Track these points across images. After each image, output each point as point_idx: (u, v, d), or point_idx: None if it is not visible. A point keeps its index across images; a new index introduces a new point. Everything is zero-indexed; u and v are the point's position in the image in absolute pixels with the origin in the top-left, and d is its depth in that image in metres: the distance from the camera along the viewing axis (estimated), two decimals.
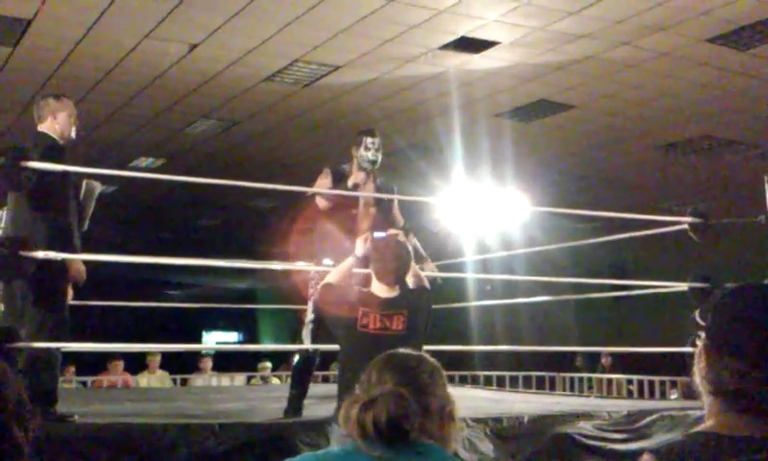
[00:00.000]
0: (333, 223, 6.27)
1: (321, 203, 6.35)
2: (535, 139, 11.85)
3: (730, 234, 12.86)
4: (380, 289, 4.65)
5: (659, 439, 5.72)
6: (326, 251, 6.17)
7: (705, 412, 1.74)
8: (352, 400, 2.16)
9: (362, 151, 6.35)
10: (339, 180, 6.31)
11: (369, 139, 6.39)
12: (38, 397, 4.51)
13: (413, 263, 4.88)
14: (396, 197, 6.56)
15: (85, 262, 5.37)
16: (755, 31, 8.17)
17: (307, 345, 6.02)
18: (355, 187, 6.27)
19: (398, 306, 4.61)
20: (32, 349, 4.79)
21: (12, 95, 10.10)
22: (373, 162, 6.35)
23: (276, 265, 6.93)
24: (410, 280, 4.85)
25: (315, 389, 6.76)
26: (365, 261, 4.97)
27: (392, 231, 5.27)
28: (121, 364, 11.90)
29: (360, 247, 5.06)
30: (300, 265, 6.09)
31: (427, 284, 4.98)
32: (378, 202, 6.41)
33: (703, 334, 1.75)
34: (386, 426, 2.03)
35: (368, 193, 6.32)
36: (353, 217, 6.31)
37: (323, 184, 6.34)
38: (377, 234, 5.10)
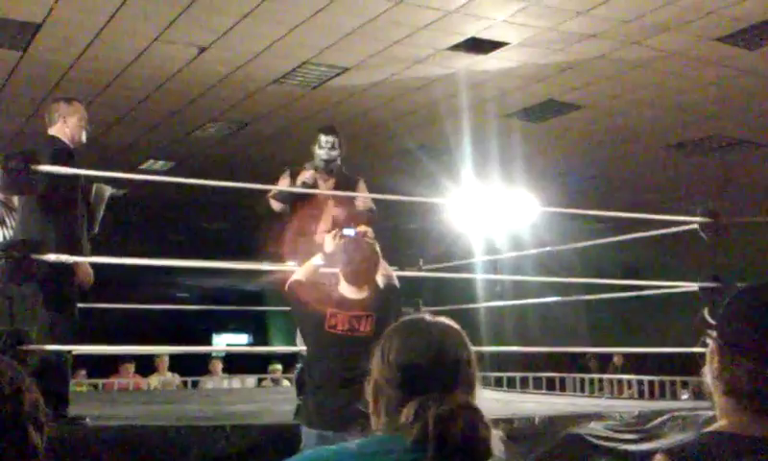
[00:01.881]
0: (295, 224, 6.21)
1: (274, 205, 6.30)
2: (543, 140, 11.84)
3: (740, 233, 12.83)
4: (349, 290, 4.63)
5: (670, 439, 5.71)
6: (291, 252, 6.13)
7: (716, 412, 1.74)
8: (401, 404, 1.87)
9: (317, 149, 6.27)
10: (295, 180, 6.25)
11: (323, 137, 6.28)
12: (50, 399, 4.52)
13: (382, 261, 4.85)
14: (353, 194, 6.38)
15: (95, 265, 5.38)
16: (763, 30, 8.14)
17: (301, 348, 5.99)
18: (306, 186, 6.21)
19: (367, 308, 4.57)
20: (43, 351, 4.81)
21: (21, 99, 10.14)
22: (327, 161, 6.24)
23: (276, 266, 6.86)
24: (379, 279, 4.82)
25: None
26: (332, 258, 4.94)
27: (361, 229, 5.21)
28: (132, 367, 11.93)
29: (329, 243, 5.04)
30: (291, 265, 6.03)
31: (396, 283, 4.91)
32: (340, 198, 6.27)
33: (714, 333, 1.75)
34: (482, 444, 1.79)
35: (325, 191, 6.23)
36: (313, 216, 6.22)
37: (282, 185, 6.28)
38: (347, 231, 5.06)
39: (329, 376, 4.57)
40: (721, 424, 1.69)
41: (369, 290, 4.66)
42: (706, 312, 1.79)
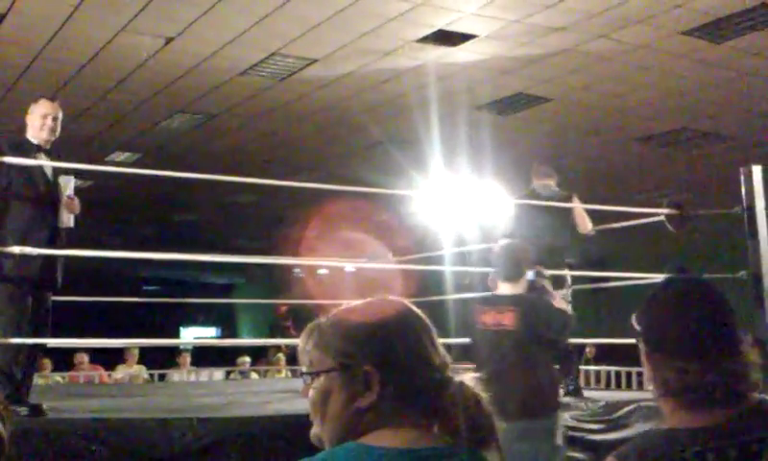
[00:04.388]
0: None
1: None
2: (513, 132, 11.86)
3: (706, 225, 12.92)
4: (500, 287, 5.03)
5: (637, 429, 5.75)
6: None
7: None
8: None
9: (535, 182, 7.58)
10: None
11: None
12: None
13: (555, 294, 5.11)
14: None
15: (64, 258, 5.35)
16: (730, 23, 8.20)
17: None
18: None
19: (509, 303, 4.76)
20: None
21: None
22: None
23: (261, 259, 6.84)
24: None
25: (290, 383, 6.70)
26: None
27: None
28: (86, 356, 11.83)
29: None
30: (285, 259, 6.03)
31: (560, 306, 5.27)
32: None
33: (640, 340, 1.79)
34: None
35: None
36: None
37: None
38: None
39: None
40: (665, 422, 1.73)
41: (518, 288, 4.98)
42: (633, 319, 1.80)
